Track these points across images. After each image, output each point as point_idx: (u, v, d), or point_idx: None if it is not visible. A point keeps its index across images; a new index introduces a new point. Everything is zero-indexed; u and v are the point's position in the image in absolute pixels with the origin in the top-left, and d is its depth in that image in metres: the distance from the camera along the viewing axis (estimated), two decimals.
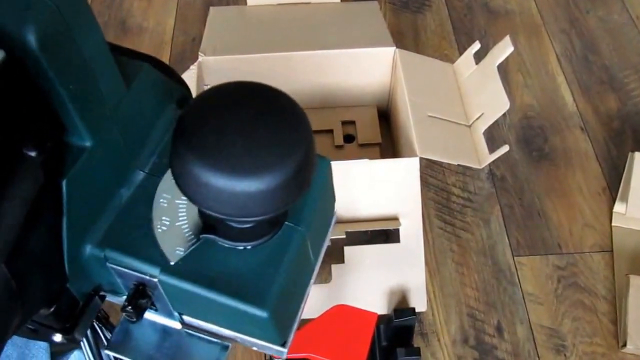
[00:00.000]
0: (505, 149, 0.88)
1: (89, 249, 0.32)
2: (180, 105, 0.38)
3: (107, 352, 0.37)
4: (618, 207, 1.05)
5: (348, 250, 0.89)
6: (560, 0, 1.42)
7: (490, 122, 0.94)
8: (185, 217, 0.34)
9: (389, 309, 0.91)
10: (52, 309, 0.32)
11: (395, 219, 0.90)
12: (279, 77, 1.04)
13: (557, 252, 1.02)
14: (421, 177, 0.89)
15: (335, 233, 0.87)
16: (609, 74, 1.27)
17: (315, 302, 0.90)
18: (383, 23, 1.12)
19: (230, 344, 0.37)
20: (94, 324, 0.66)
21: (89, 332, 0.66)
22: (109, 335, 0.71)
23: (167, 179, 0.35)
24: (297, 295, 0.37)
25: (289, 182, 0.29)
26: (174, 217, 0.34)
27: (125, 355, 0.37)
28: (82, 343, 0.68)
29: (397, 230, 0.90)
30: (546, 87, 1.25)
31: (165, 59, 1.30)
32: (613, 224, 1.05)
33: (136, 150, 0.35)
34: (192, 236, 0.33)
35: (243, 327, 0.34)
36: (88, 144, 0.31)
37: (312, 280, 0.38)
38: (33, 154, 0.27)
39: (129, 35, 1.35)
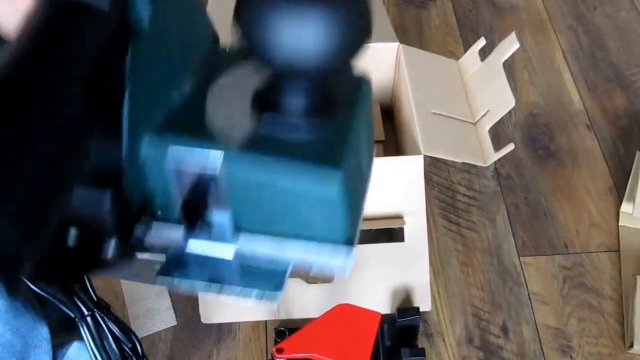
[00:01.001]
0: (510, 147, 0.87)
1: (147, 140, 0.32)
2: (215, 41, 0.39)
3: (158, 280, 0.36)
4: (625, 207, 1.04)
5: None
6: None
7: (496, 120, 0.93)
8: (240, 108, 0.33)
9: (393, 309, 0.90)
10: (107, 205, 0.31)
11: (399, 217, 0.89)
12: None
13: (563, 252, 1.01)
14: (425, 175, 0.89)
15: None
16: (617, 71, 1.26)
17: (319, 301, 0.89)
18: (386, 18, 1.11)
19: (288, 270, 0.35)
20: (96, 314, 0.66)
21: (91, 322, 0.66)
22: (111, 326, 0.70)
23: (218, 86, 0.35)
24: (357, 190, 0.36)
25: (358, 18, 0.29)
26: (228, 110, 0.34)
27: (179, 277, 0.36)
28: (83, 331, 0.67)
29: (402, 229, 0.89)
30: (552, 84, 1.24)
31: None
32: (620, 223, 1.04)
33: (185, 57, 0.35)
34: (250, 120, 0.33)
35: (310, 214, 0.32)
36: (147, 23, 0.31)
37: (364, 199, 0.38)
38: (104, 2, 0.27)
39: None
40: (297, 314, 0.90)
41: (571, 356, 0.90)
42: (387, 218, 0.90)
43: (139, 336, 0.89)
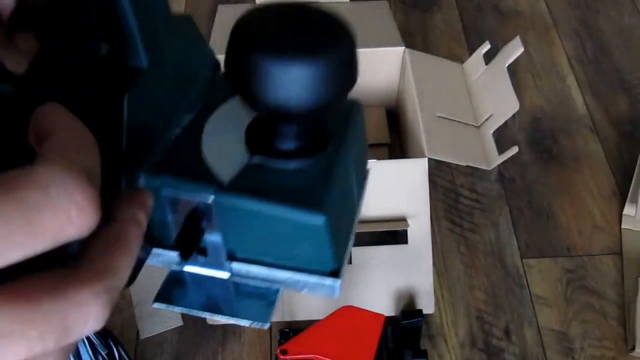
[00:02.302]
0: (514, 150, 0.88)
1: (143, 180, 0.34)
2: (215, 68, 0.41)
3: (155, 305, 0.38)
4: (628, 210, 1.04)
5: (356, 251, 0.89)
6: (571, 1, 1.41)
7: (500, 123, 0.93)
8: (234, 145, 0.35)
9: (397, 311, 0.91)
10: None
11: (403, 220, 0.90)
12: None
13: (566, 255, 1.01)
14: (430, 178, 0.89)
15: None
16: (620, 75, 1.26)
17: (322, 303, 0.90)
18: (392, 23, 1.12)
19: (276, 301, 0.37)
20: None
21: None
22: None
23: (213, 121, 0.37)
24: (346, 222, 0.38)
25: (342, 66, 0.31)
26: (222, 147, 0.35)
27: (175, 305, 0.38)
28: None
29: (405, 232, 0.90)
30: (556, 88, 1.25)
31: None
32: (623, 226, 1.04)
33: (184, 93, 0.37)
34: (243, 159, 0.35)
35: (297, 249, 0.34)
36: (145, 64, 0.33)
37: (355, 223, 0.39)
38: (103, 49, 0.29)
39: None
40: (302, 315, 0.90)
41: (573, 358, 0.91)
42: (391, 220, 0.90)
43: (145, 336, 0.90)
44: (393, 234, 0.94)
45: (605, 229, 1.05)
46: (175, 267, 0.37)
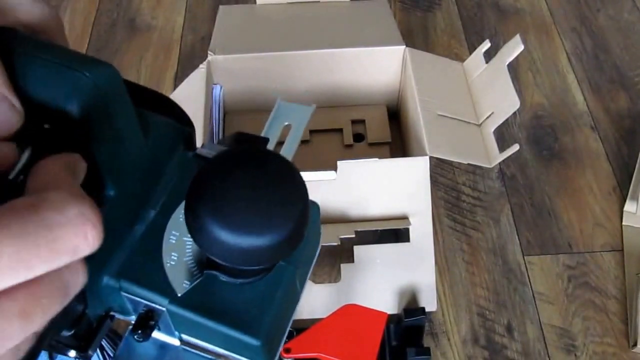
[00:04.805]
0: (515, 148, 0.88)
1: (105, 280, 0.37)
2: (187, 143, 0.42)
3: None
4: (629, 207, 1.05)
5: (358, 249, 0.89)
6: None
7: (501, 121, 0.94)
8: (191, 254, 0.38)
9: (399, 309, 0.91)
10: (72, 332, 0.36)
11: (405, 218, 0.90)
12: (287, 76, 1.03)
13: (567, 252, 1.02)
14: (431, 176, 0.89)
15: (344, 232, 0.87)
16: (620, 72, 1.26)
17: (325, 301, 0.90)
18: (393, 22, 1.12)
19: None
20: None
21: None
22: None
23: (176, 217, 0.39)
24: (285, 323, 0.41)
25: (288, 238, 0.33)
26: (181, 253, 0.38)
27: None
28: None
29: (407, 230, 0.90)
30: (556, 86, 1.25)
31: (174, 58, 1.30)
32: (623, 223, 1.04)
33: (150, 192, 0.39)
34: (197, 271, 0.38)
35: (237, 349, 0.38)
36: (112, 193, 0.35)
37: (296, 307, 0.43)
38: None
39: (137, 34, 1.35)
40: (305, 314, 0.91)
41: (575, 355, 0.91)
42: (393, 219, 0.91)
43: None
44: (395, 233, 0.94)
45: (606, 225, 1.05)
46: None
